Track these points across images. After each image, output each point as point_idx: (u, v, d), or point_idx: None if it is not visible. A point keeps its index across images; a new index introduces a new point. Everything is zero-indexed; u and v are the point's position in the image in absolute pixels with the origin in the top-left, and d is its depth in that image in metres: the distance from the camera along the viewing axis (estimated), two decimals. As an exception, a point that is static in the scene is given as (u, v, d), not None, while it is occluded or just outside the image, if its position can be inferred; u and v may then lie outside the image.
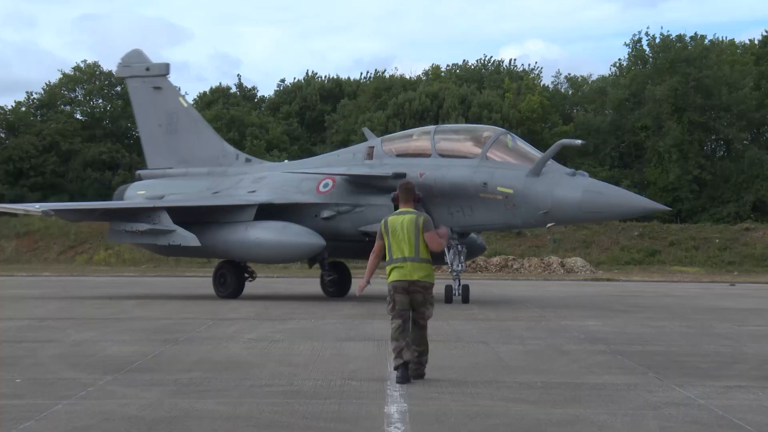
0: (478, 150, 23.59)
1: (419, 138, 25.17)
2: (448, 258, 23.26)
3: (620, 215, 24.52)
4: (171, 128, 29.58)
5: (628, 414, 9.59)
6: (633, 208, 23.09)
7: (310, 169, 26.38)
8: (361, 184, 24.68)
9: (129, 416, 9.26)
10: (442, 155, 23.96)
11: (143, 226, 25.10)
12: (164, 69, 30.05)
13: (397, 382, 11.14)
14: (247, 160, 28.96)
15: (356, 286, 13.13)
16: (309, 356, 13.69)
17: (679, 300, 27.78)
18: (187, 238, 24.63)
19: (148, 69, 29.88)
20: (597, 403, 10.13)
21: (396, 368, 11.35)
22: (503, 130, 25.23)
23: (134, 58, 30.26)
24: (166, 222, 24.95)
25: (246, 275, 26.45)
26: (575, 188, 22.25)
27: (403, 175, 23.34)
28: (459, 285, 23.58)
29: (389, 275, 11.53)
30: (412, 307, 11.50)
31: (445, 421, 9.17)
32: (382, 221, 11.76)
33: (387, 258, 11.60)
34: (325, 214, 24.66)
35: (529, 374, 12.11)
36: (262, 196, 25.75)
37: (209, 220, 25.30)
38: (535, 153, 23.40)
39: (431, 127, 25.73)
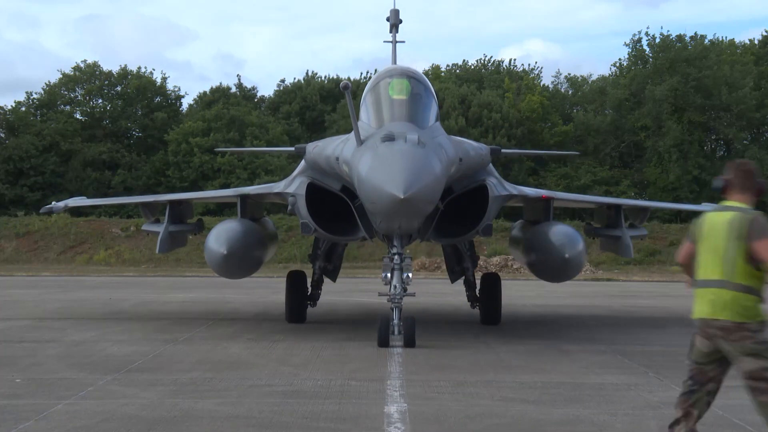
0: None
1: None
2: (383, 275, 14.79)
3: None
4: None
5: (628, 414, 9.59)
6: (384, 199, 13.53)
7: None
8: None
9: (129, 416, 9.26)
10: None
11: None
12: (395, 17, 22.02)
13: None
14: None
15: None
16: (309, 356, 13.69)
17: (679, 300, 27.73)
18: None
19: (387, 19, 22.18)
20: (597, 403, 10.13)
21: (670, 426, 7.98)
22: (401, 69, 16.00)
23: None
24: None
25: (308, 289, 19.64)
26: (367, 161, 13.95)
27: (302, 150, 17.14)
28: (399, 317, 14.55)
29: (694, 305, 7.51)
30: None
31: (445, 421, 9.17)
32: (700, 218, 7.63)
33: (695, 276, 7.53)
34: (289, 207, 17.50)
35: (529, 374, 12.12)
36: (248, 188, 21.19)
37: None
38: (402, 111, 14.83)
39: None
